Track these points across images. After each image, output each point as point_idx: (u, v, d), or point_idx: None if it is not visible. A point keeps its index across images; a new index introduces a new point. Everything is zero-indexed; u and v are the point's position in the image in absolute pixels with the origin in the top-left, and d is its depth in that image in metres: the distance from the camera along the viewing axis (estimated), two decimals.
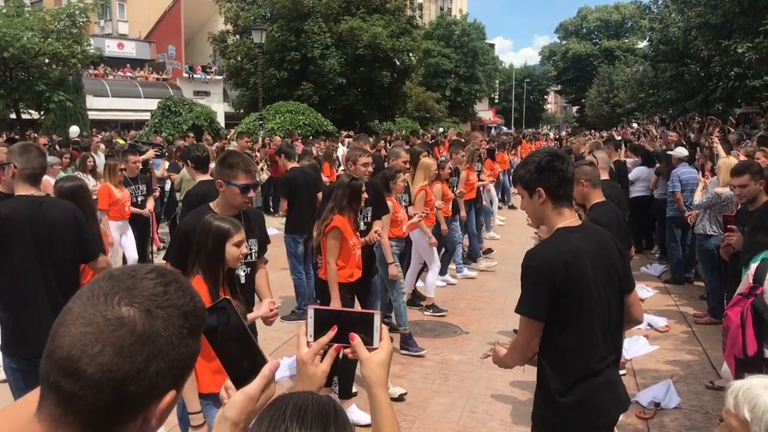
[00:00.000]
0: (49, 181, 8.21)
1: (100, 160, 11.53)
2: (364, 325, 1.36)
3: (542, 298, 2.47)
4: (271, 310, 3.38)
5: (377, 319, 1.38)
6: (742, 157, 6.94)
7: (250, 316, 3.33)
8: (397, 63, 32.33)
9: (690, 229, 7.94)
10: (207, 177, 5.60)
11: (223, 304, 1.25)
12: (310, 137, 20.85)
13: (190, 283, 1.02)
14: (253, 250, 3.57)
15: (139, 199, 8.02)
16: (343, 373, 4.81)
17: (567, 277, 2.44)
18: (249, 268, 3.55)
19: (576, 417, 2.52)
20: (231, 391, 1.23)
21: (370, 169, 5.60)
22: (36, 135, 18.17)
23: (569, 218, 2.60)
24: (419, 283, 8.15)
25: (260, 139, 17.91)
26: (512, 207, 15.20)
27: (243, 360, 1.23)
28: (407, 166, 6.97)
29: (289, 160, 7.78)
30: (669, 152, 9.34)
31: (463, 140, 12.70)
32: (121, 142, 14.88)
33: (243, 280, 3.45)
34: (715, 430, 1.54)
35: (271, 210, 13.73)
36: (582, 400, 2.51)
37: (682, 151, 8.69)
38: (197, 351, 1.00)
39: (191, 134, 18.00)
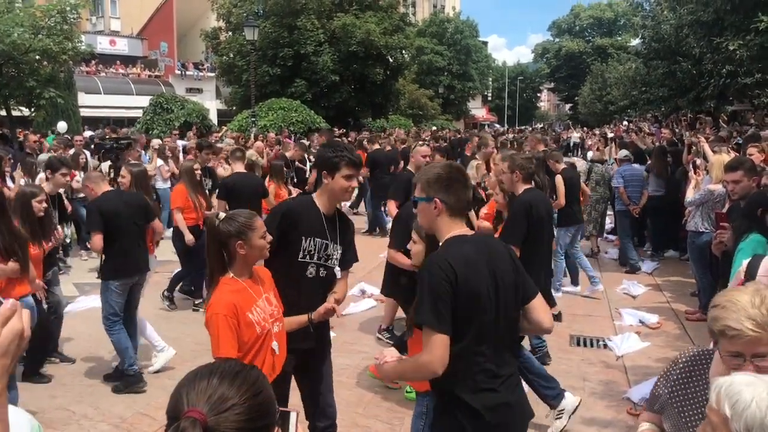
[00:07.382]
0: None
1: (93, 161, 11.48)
2: None
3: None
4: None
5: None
6: (733, 153, 6.95)
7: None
8: (390, 60, 32.31)
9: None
10: None
11: None
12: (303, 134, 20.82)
13: None
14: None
15: None
16: None
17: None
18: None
19: None
20: None
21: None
22: (27, 132, 18.01)
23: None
24: None
25: (252, 136, 17.83)
26: None
27: None
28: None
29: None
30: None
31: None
32: None
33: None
34: (699, 428, 1.52)
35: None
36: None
37: (623, 153, 9.88)
38: None
39: (176, 131, 17.87)
